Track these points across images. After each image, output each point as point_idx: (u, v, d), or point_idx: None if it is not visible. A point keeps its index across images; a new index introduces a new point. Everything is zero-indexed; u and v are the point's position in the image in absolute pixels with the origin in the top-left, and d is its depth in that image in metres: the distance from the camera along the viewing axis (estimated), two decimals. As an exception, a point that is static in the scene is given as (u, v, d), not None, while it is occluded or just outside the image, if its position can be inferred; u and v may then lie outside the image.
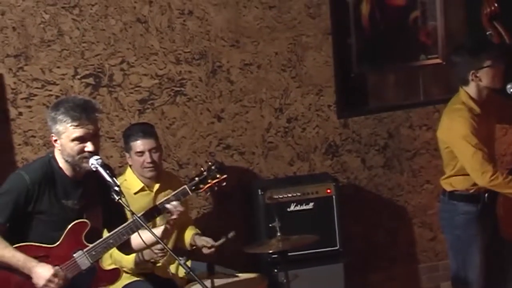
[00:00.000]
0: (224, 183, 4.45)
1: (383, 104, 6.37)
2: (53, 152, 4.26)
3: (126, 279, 5.15)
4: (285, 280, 5.17)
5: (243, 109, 6.07)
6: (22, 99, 5.61)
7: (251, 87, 6.06)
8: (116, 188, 4.08)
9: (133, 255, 5.03)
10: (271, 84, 6.11)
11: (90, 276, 4.25)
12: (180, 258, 4.12)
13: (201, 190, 4.44)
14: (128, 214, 4.29)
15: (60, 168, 4.21)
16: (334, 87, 6.21)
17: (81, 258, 4.20)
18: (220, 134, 6.04)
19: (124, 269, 5.07)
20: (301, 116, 6.19)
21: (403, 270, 6.50)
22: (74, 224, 4.21)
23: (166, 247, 4.22)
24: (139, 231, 4.23)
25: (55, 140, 4.18)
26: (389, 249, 6.45)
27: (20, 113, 5.63)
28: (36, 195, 4.14)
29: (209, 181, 4.40)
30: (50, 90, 5.65)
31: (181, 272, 5.19)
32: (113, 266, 4.42)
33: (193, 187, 4.39)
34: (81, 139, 4.13)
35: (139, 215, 4.20)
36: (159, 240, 4.18)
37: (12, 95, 5.59)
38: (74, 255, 4.20)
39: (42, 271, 4.11)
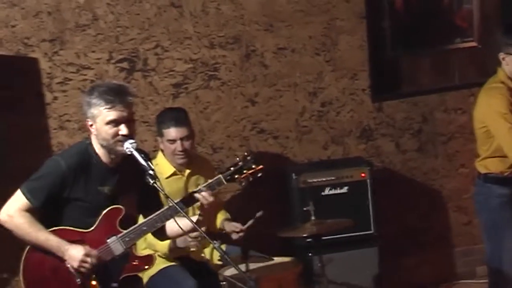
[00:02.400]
0: (260, 174, 4.42)
1: (417, 88, 6.34)
2: (90, 138, 4.27)
3: (161, 263, 5.18)
4: (319, 264, 5.18)
5: (277, 93, 6.07)
6: (57, 83, 5.65)
7: (285, 71, 6.05)
8: (151, 172, 4.08)
9: (168, 241, 5.05)
10: (305, 68, 6.09)
11: (124, 261, 4.27)
12: (215, 242, 4.14)
13: (236, 181, 4.40)
14: (163, 199, 4.30)
15: (97, 154, 4.23)
16: (368, 71, 6.20)
17: (115, 244, 4.23)
18: (254, 118, 6.04)
19: (159, 253, 5.10)
20: (335, 100, 6.19)
21: (437, 254, 6.48)
22: (109, 209, 4.23)
23: (202, 233, 4.21)
24: (175, 218, 4.23)
25: (91, 125, 4.20)
26: (423, 233, 6.43)
27: (55, 98, 5.66)
28: (72, 181, 4.16)
29: (244, 171, 4.38)
30: (85, 75, 5.69)
31: (216, 256, 5.20)
32: (147, 252, 4.45)
33: (228, 177, 4.38)
34: (115, 122, 4.14)
35: (175, 202, 4.20)
36: (196, 227, 4.18)
37: (47, 79, 5.63)
38: (108, 240, 4.24)
39: (75, 252, 4.15)
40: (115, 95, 4.16)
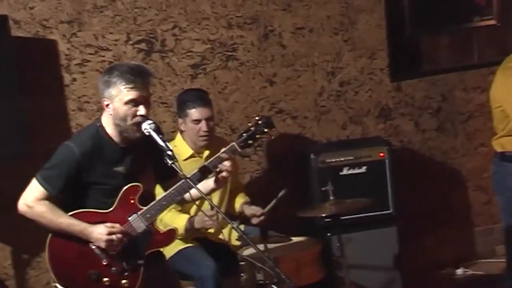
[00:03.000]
0: (273, 137, 4.36)
1: (436, 66, 6.34)
2: (100, 120, 4.27)
3: (179, 244, 5.18)
4: (338, 244, 5.18)
5: (295, 73, 6.06)
6: (75, 65, 5.65)
7: (303, 51, 6.04)
8: (169, 153, 4.08)
9: (184, 221, 5.09)
10: (323, 48, 6.08)
11: (147, 238, 4.28)
12: (233, 222, 4.13)
13: (250, 146, 4.39)
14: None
15: (109, 135, 4.23)
16: (386, 50, 6.19)
17: (137, 221, 4.24)
18: (272, 98, 6.04)
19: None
20: (354, 79, 6.17)
21: (457, 233, 6.48)
22: (128, 188, 4.24)
23: (215, 207, 4.22)
24: (196, 187, 4.22)
25: (107, 105, 4.20)
26: (443, 212, 6.43)
27: (74, 79, 5.67)
28: (87, 166, 4.17)
29: (257, 136, 4.33)
30: (103, 56, 5.69)
31: (234, 237, 5.19)
32: (168, 228, 4.42)
33: (242, 144, 4.34)
34: (134, 102, 4.15)
35: (190, 175, 4.21)
36: (209, 201, 4.19)
37: (66, 61, 5.64)
38: (129, 218, 4.24)
39: (99, 232, 4.17)
40: (136, 74, 4.16)
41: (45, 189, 4.17)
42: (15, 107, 5.18)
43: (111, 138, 4.24)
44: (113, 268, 4.22)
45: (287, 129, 6.07)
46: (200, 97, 5.29)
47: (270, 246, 4.74)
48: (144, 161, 4.32)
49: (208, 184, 4.39)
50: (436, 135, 6.38)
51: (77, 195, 4.23)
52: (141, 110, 4.16)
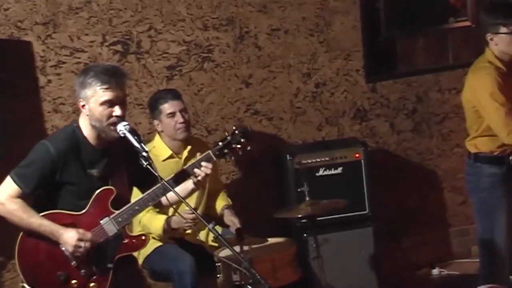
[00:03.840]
0: (249, 148, 4.37)
1: (411, 68, 6.35)
2: (77, 121, 4.26)
3: (155, 243, 5.19)
4: (314, 245, 5.18)
5: (271, 75, 6.05)
6: (51, 66, 5.63)
7: (278, 53, 6.04)
8: (144, 154, 4.08)
9: (162, 222, 5.09)
10: (299, 49, 6.09)
11: (118, 242, 4.27)
12: (209, 224, 4.15)
13: (225, 156, 4.40)
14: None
15: (85, 137, 4.22)
16: (362, 52, 6.19)
17: (108, 225, 4.22)
18: (248, 99, 6.03)
19: (153, 235, 5.11)
20: (329, 81, 6.17)
21: (433, 234, 6.49)
22: (100, 191, 4.23)
23: (192, 210, 4.23)
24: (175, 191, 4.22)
25: (83, 106, 4.18)
26: (419, 213, 6.45)
27: (49, 81, 5.65)
28: (62, 166, 4.15)
29: (233, 146, 4.33)
30: (79, 58, 5.67)
31: (211, 238, 5.20)
32: (139, 232, 4.44)
33: (217, 152, 4.35)
34: (110, 103, 4.13)
35: (167, 179, 4.21)
36: (187, 204, 4.19)
37: (41, 62, 5.61)
38: (101, 222, 4.23)
39: (69, 236, 4.15)
40: (111, 75, 4.15)
41: (19, 186, 4.15)
42: None
43: (87, 139, 4.22)
44: (82, 271, 4.21)
45: (263, 130, 6.07)
46: (170, 92, 5.34)
47: (246, 247, 4.75)
48: (119, 164, 4.30)
49: (186, 186, 4.38)
50: (411, 136, 6.39)
51: (50, 195, 4.21)
52: (117, 111, 4.14)
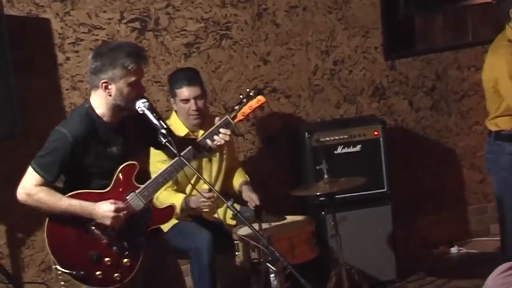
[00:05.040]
0: (263, 107, 4.46)
1: (431, 45, 6.33)
2: (89, 101, 4.26)
3: (173, 220, 5.13)
4: (332, 223, 5.17)
5: (289, 52, 6.03)
6: (69, 44, 5.62)
7: (297, 30, 6.02)
8: (163, 131, 4.12)
9: (180, 201, 5.08)
10: (317, 26, 6.06)
11: (146, 216, 4.29)
12: (228, 201, 4.14)
13: (242, 118, 4.43)
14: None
15: (99, 116, 4.22)
16: (381, 29, 6.18)
17: (135, 200, 4.24)
18: (266, 77, 6.01)
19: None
20: (348, 58, 6.16)
21: (451, 212, 6.47)
22: (123, 167, 4.24)
23: (211, 186, 4.28)
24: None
25: (106, 86, 4.17)
26: (437, 191, 6.43)
27: (68, 58, 5.64)
28: (81, 150, 4.16)
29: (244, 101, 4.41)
30: (97, 35, 5.65)
31: (229, 216, 5.18)
32: (166, 204, 4.43)
33: (235, 116, 4.40)
34: (136, 84, 4.18)
35: (183, 152, 4.24)
36: (206, 182, 4.22)
37: (59, 40, 5.60)
38: (127, 197, 4.25)
39: (105, 208, 4.16)
40: (142, 57, 4.20)
41: (42, 176, 4.16)
42: (8, 86, 5.14)
43: (101, 119, 4.23)
44: (114, 248, 4.23)
45: (281, 108, 6.06)
46: (187, 77, 5.27)
47: (264, 225, 4.74)
48: (136, 140, 4.33)
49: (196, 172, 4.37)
50: (430, 114, 6.37)
51: (72, 180, 4.23)
52: (141, 89, 4.22)
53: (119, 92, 4.16)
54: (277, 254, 4.01)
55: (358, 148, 5.79)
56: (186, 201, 5.11)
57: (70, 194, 4.18)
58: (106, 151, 4.22)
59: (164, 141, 4.11)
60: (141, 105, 4.18)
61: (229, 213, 5.06)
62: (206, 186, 4.89)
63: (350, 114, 6.19)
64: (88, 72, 4.25)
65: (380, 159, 5.81)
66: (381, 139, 5.81)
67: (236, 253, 4.90)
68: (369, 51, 6.18)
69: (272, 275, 4.59)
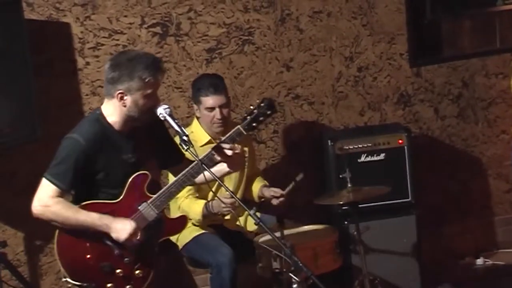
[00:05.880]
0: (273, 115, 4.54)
1: (457, 52, 6.28)
2: (100, 109, 4.26)
3: (195, 231, 5.16)
4: (355, 232, 5.14)
5: (312, 58, 6.00)
6: (89, 48, 5.60)
7: (320, 36, 5.98)
8: (185, 138, 4.08)
9: (201, 207, 5.05)
10: (341, 32, 6.03)
11: (159, 226, 4.27)
12: (250, 209, 4.10)
13: (254, 129, 4.46)
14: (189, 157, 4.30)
15: (110, 124, 4.22)
16: (406, 35, 6.13)
17: (147, 210, 4.21)
18: (289, 83, 5.97)
19: (192, 221, 5.07)
20: (372, 65, 6.11)
21: (477, 223, 6.40)
22: (135, 176, 4.23)
23: (232, 193, 4.24)
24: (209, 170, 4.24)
25: (122, 97, 4.16)
26: (463, 201, 6.37)
27: (88, 63, 5.61)
28: (94, 155, 4.15)
29: (260, 118, 4.37)
30: (117, 40, 5.63)
31: (250, 224, 5.15)
32: (179, 214, 4.42)
33: (246, 127, 4.38)
34: (152, 95, 4.18)
35: (203, 157, 4.23)
36: (225, 188, 4.17)
37: (79, 44, 5.58)
38: (139, 207, 4.22)
39: (123, 225, 4.14)
40: (159, 69, 4.19)
41: (56, 186, 4.14)
42: (28, 90, 5.15)
43: (112, 126, 4.22)
44: (126, 259, 4.20)
45: (304, 115, 6.02)
46: (214, 84, 5.20)
47: (286, 233, 4.66)
48: (147, 150, 4.31)
49: (222, 167, 4.38)
50: (456, 122, 6.31)
51: (82, 191, 4.22)
52: (158, 100, 4.23)
53: (134, 103, 4.16)
54: (300, 264, 3.96)
55: (382, 156, 5.74)
56: (207, 206, 5.06)
57: (82, 204, 4.17)
58: (117, 158, 4.21)
59: (185, 148, 4.09)
60: (162, 112, 4.17)
61: (250, 221, 5.05)
62: (227, 194, 4.84)
63: (374, 121, 6.15)
64: (105, 81, 4.25)
65: (405, 168, 5.75)
66: (405, 147, 5.75)
67: (258, 263, 4.85)
68: (394, 57, 6.14)
69: (295, 286, 4.52)
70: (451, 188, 6.33)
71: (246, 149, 5.23)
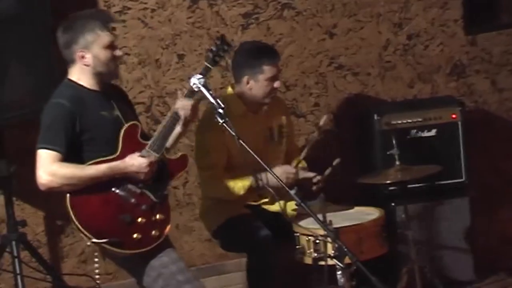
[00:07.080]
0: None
1: (517, 17, 5.98)
2: (66, 78, 4.34)
3: (228, 212, 5.03)
4: (403, 215, 5.09)
5: (357, 24, 5.87)
6: (115, 12, 5.45)
7: (366, 0, 5.86)
8: (220, 110, 4.09)
9: (249, 181, 4.95)
10: (390, -4, 5.92)
11: (164, 168, 4.34)
12: (292, 190, 4.03)
13: (218, 63, 4.55)
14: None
15: (81, 85, 4.31)
16: (461, -1, 5.97)
17: (148, 155, 4.27)
18: (331, 52, 5.84)
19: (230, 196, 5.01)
20: (423, 32, 5.97)
21: (535, 206, 6.26)
22: (127, 128, 4.30)
23: (276, 177, 4.16)
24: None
25: (83, 55, 4.24)
26: (520, 182, 6.14)
27: (113, 28, 5.35)
28: (79, 114, 4.21)
29: (220, 53, 4.51)
30: (146, 3, 5.50)
31: (290, 206, 4.93)
32: (179, 154, 4.48)
33: (212, 62, 4.48)
34: (111, 46, 4.27)
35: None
36: (261, 163, 4.04)
37: (105, 8, 5.42)
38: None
39: (136, 160, 4.20)
40: (106, 17, 4.45)
41: (53, 150, 4.16)
42: (49, 58, 4.98)
43: (85, 87, 4.32)
44: (143, 206, 4.24)
45: (348, 86, 5.88)
46: (274, 53, 5.08)
47: (329, 216, 4.52)
48: (125, 107, 4.45)
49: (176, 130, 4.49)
50: (515, 95, 6.18)
51: (78, 156, 4.23)
52: (118, 52, 4.33)
53: (97, 58, 4.26)
54: (345, 249, 3.91)
55: (433, 132, 5.63)
56: (255, 179, 4.91)
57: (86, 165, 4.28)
58: (100, 115, 4.27)
59: (221, 121, 4.08)
60: (196, 82, 4.22)
61: (290, 203, 4.82)
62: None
63: (425, 94, 6.00)
64: (61, 50, 4.33)
65: (458, 145, 5.64)
66: (459, 122, 5.64)
67: (297, 246, 4.77)
68: (447, 24, 5.99)
69: (339, 272, 4.43)
70: (508, 167, 6.14)
71: (283, 117, 5.16)
